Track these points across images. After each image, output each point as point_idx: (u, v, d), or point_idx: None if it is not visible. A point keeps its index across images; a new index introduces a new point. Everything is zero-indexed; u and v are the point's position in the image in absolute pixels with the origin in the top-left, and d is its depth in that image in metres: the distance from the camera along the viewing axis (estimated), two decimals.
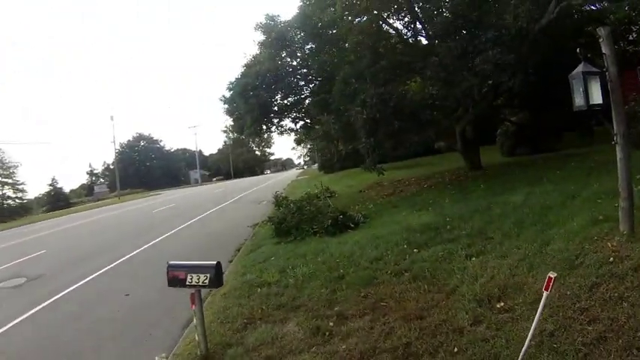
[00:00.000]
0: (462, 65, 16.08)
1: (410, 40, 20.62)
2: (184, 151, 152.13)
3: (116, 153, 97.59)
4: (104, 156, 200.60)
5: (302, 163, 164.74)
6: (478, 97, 17.66)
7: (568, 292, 5.91)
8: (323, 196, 19.97)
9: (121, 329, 8.69)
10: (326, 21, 19.51)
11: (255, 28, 23.13)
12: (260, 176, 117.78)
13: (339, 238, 12.50)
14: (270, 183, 61.31)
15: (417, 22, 19.88)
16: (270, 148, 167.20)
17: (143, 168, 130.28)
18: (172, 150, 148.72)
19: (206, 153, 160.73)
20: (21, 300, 12.01)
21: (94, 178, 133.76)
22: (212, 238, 18.76)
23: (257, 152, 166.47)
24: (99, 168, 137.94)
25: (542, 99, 21.09)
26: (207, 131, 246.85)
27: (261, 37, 22.88)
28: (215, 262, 6.21)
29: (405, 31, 20.67)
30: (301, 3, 22.37)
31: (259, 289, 8.86)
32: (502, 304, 6.13)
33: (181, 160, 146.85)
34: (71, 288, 12.63)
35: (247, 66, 22.79)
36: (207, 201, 40.30)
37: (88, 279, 13.50)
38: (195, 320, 6.37)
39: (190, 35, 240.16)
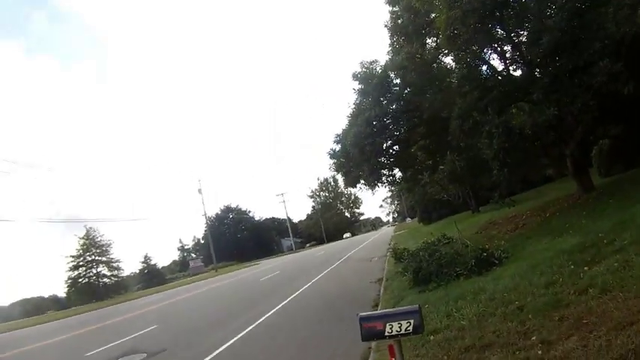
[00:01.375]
0: (573, 82, 15.75)
1: (504, 72, 20.28)
2: (273, 220, 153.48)
3: (208, 227, 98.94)
4: (193, 230, 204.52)
5: (391, 220, 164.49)
6: (585, 114, 17.17)
7: None
8: (442, 243, 19.52)
9: None
10: (428, 59, 19.39)
11: (353, 78, 23.02)
12: (353, 237, 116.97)
13: (488, 275, 12.00)
14: (369, 242, 60.96)
15: (512, 51, 19.67)
16: (358, 208, 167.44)
17: (234, 240, 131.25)
18: (262, 219, 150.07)
19: (295, 220, 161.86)
20: None
21: (185, 254, 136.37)
22: (340, 297, 18.49)
23: (346, 214, 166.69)
24: (189, 243, 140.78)
25: (636, 109, 20.21)
26: (294, 198, 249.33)
27: (359, 86, 22.82)
28: (417, 306, 5.92)
29: (500, 63, 20.44)
30: (390, 48, 22.48)
31: (432, 337, 8.34)
32: None
33: (271, 229, 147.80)
34: None
35: (353, 115, 22.56)
36: (314, 265, 40.16)
37: (216, 352, 12.84)
38: None
39: (269, 106, 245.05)
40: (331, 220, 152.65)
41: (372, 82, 21.94)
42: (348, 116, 23.01)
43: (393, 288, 15.88)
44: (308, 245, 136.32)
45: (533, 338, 6.69)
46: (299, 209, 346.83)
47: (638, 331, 5.61)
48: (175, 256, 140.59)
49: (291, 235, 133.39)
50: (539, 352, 6.19)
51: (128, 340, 18.16)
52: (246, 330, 15.02)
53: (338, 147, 23.41)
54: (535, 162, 17.30)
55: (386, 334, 5.89)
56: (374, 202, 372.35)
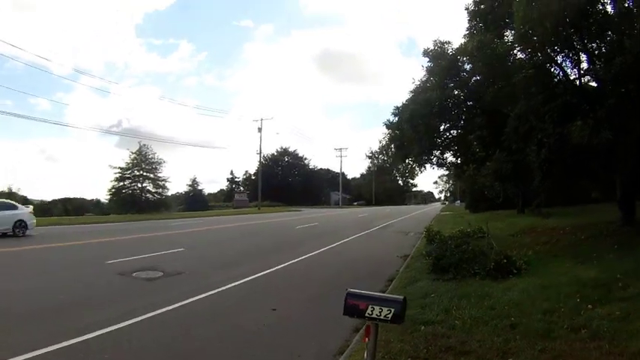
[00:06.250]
0: (636, 110, 15.22)
1: (576, 81, 19.54)
2: (328, 171, 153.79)
3: (260, 165, 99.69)
4: (247, 165, 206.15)
5: (442, 198, 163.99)
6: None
7: None
8: (476, 236, 19.28)
9: (264, 348, 8.36)
10: (500, 52, 18.76)
11: (424, 54, 22.67)
12: (401, 206, 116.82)
13: (502, 283, 11.86)
14: (414, 214, 61.07)
15: (586, 62, 18.89)
16: (413, 179, 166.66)
17: (285, 183, 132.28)
18: (316, 168, 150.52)
19: (349, 176, 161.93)
20: (154, 295, 12.05)
21: (233, 186, 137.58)
22: (363, 264, 18.60)
23: (400, 182, 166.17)
24: (240, 176, 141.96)
25: None
26: (352, 155, 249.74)
27: (429, 64, 22.52)
28: (402, 297, 5.88)
29: (572, 71, 19.68)
30: (467, 32, 21.81)
31: (423, 327, 8.35)
32: None
33: (324, 181, 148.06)
34: (213, 291, 12.58)
35: (415, 92, 22.55)
36: (352, 225, 40.64)
37: (229, 285, 13.44)
38: (365, 354, 6.14)
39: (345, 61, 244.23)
40: (384, 184, 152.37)
41: (440, 63, 21.48)
42: (410, 92, 22.73)
43: (412, 268, 15.83)
44: (355, 204, 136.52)
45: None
46: (355, 167, 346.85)
47: None
48: (224, 186, 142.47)
49: (340, 190, 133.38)
50: None
51: (151, 256, 18.78)
52: (258, 274, 15.37)
53: (395, 119, 23.18)
54: (581, 181, 16.72)
55: (366, 314, 5.90)
56: (429, 177, 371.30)
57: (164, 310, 10.47)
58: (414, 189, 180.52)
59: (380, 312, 5.85)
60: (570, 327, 7.78)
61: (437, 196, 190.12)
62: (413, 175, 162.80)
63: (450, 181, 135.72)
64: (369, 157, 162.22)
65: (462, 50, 20.85)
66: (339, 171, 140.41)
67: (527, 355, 6.80)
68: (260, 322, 9.82)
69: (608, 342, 6.94)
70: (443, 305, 9.85)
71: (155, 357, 7.77)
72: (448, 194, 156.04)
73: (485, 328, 8.10)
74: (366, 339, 6.15)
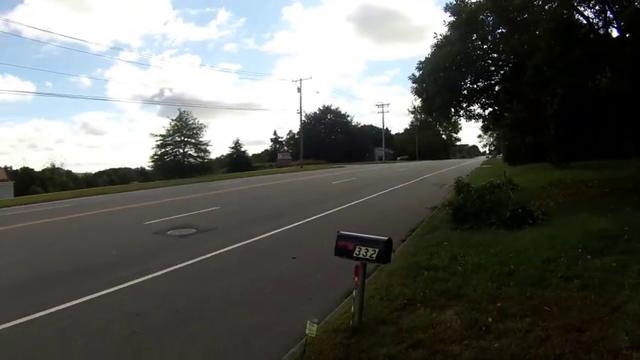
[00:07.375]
0: None
1: (600, 31, 19.09)
2: (371, 128, 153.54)
3: (302, 123, 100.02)
4: (290, 125, 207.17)
5: (487, 152, 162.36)
6: None
7: None
8: (505, 188, 19.30)
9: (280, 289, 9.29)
10: (517, 4, 18.36)
11: (445, 9, 22.15)
12: (444, 160, 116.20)
13: (515, 232, 11.91)
14: (453, 168, 60.68)
15: (609, 12, 18.39)
16: (457, 133, 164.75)
17: (328, 140, 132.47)
18: (359, 125, 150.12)
19: (392, 132, 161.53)
20: (185, 250, 13.08)
21: (277, 146, 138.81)
22: (389, 215, 18.96)
23: (443, 136, 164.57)
24: (284, 136, 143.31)
25: None
26: (395, 111, 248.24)
27: (451, 18, 21.91)
28: (386, 238, 6.17)
29: (596, 20, 19.19)
30: None
31: (426, 272, 8.74)
32: None
33: (367, 137, 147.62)
34: (240, 244, 13.72)
35: (437, 46, 22.08)
36: (390, 178, 41.01)
37: (256, 238, 14.50)
38: (354, 292, 6.42)
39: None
40: (427, 139, 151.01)
41: (462, 16, 20.99)
42: (432, 46, 22.53)
43: (436, 218, 16.13)
44: (399, 158, 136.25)
45: (498, 304, 6.88)
46: (399, 123, 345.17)
47: (576, 340, 5.60)
48: (268, 146, 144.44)
49: (383, 145, 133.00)
50: (490, 319, 6.38)
51: (187, 215, 20.11)
52: (286, 227, 16.46)
53: (419, 73, 23.02)
54: (600, 132, 16.40)
55: (354, 254, 6.31)
56: (474, 131, 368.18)
57: (189, 262, 11.66)
58: (458, 143, 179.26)
59: (366, 252, 6.29)
60: (564, 276, 7.87)
61: (482, 150, 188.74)
62: (456, 129, 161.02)
63: (495, 134, 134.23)
64: (412, 112, 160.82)
65: (481, 4, 20.52)
66: (382, 127, 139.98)
67: (515, 300, 7.00)
68: (279, 269, 10.77)
69: (595, 293, 7.00)
70: (452, 253, 10.11)
71: (179, 300, 8.82)
72: (492, 148, 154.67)
73: (484, 274, 8.33)
74: (356, 278, 6.54)
